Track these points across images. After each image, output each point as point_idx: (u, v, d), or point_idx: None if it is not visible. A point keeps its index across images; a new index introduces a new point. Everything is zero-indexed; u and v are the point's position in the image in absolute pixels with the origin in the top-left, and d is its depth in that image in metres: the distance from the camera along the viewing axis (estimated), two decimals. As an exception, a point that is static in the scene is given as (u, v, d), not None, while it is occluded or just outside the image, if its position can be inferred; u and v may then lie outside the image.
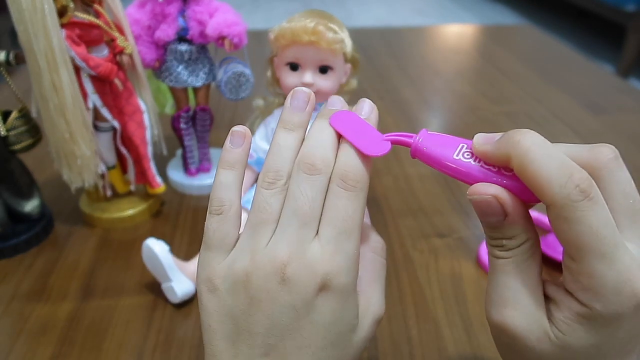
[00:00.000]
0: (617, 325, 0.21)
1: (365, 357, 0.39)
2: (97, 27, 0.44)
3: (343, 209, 0.23)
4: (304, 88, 0.27)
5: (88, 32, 0.44)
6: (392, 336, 0.41)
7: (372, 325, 0.26)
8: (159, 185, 0.53)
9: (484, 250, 0.48)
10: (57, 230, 0.52)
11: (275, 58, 0.46)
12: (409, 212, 0.56)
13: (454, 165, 0.24)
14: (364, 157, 0.24)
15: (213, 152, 0.62)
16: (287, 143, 0.25)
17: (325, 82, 0.44)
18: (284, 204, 0.24)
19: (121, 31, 0.46)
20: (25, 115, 0.47)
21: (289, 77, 0.45)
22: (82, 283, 0.46)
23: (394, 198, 0.58)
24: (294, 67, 0.44)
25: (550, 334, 0.22)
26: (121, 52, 0.46)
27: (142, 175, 0.52)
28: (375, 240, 0.29)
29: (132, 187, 0.54)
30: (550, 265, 0.42)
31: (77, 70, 0.44)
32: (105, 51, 0.46)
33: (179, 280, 0.42)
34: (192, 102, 0.57)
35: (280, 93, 0.49)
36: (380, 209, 0.56)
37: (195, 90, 0.55)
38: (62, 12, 0.41)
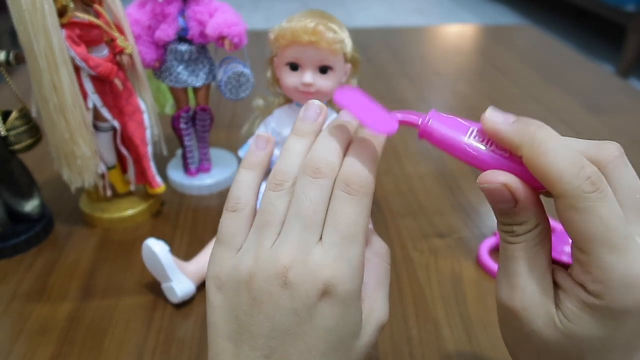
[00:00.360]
0: (624, 320, 0.21)
1: (365, 357, 0.39)
2: (97, 27, 0.44)
3: (346, 214, 0.23)
4: (316, 101, 0.27)
5: (88, 32, 0.44)
6: (392, 336, 0.41)
7: (375, 330, 0.25)
8: (159, 185, 0.53)
9: (484, 250, 0.48)
10: (57, 230, 0.52)
11: (275, 58, 0.46)
12: (409, 213, 0.56)
13: (464, 149, 0.23)
14: (369, 159, 0.24)
15: (213, 152, 0.62)
16: (296, 148, 0.26)
17: (325, 82, 0.44)
18: (289, 207, 0.24)
19: (121, 31, 0.46)
20: (25, 115, 0.47)
21: (289, 77, 0.45)
22: (82, 283, 0.46)
23: (394, 198, 0.58)
24: (294, 67, 0.44)
25: (557, 320, 0.22)
26: (121, 52, 0.46)
27: (142, 175, 0.52)
28: (380, 245, 0.29)
29: (132, 187, 0.54)
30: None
31: (77, 70, 0.44)
32: (105, 51, 0.46)
33: (179, 280, 0.42)
34: (192, 102, 0.57)
35: (280, 93, 0.49)
36: (380, 209, 0.56)
37: (195, 90, 0.55)
38: (62, 12, 0.41)
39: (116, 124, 0.49)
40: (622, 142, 0.23)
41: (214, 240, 0.46)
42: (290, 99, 0.49)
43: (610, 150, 0.22)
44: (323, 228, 0.23)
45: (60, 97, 0.42)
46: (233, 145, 0.65)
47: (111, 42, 0.46)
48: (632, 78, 2.33)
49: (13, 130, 0.46)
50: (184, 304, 0.43)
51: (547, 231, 0.23)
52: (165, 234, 0.52)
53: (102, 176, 0.51)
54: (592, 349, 0.22)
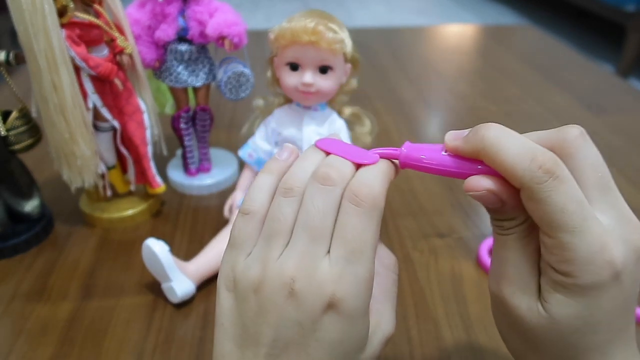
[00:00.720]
0: (597, 295, 0.21)
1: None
2: (97, 27, 0.44)
3: (353, 227, 0.23)
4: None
5: (88, 32, 0.44)
6: (392, 336, 0.40)
7: (381, 343, 0.25)
8: (159, 185, 0.53)
9: (484, 250, 0.48)
10: (57, 230, 0.52)
11: (275, 58, 0.46)
12: (409, 212, 0.56)
13: (443, 166, 0.25)
14: (382, 174, 0.24)
15: (213, 152, 0.62)
16: (312, 158, 0.26)
17: (325, 82, 0.44)
18: (297, 216, 0.24)
19: (121, 31, 0.46)
20: (25, 115, 0.47)
21: (289, 77, 0.45)
22: (82, 283, 0.46)
23: (394, 198, 0.58)
24: (294, 67, 0.44)
25: (538, 304, 0.23)
26: (121, 52, 0.46)
27: (142, 175, 0.52)
28: (387, 257, 0.29)
29: (132, 187, 0.54)
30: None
31: (77, 70, 0.44)
32: (105, 51, 0.46)
33: (179, 280, 0.42)
34: (192, 102, 0.57)
35: (280, 93, 0.49)
36: (380, 209, 0.56)
37: (195, 90, 0.55)
38: (62, 12, 0.41)
39: (116, 124, 0.49)
40: (622, 142, 0.23)
41: (213, 240, 0.46)
42: (290, 99, 0.49)
43: (571, 133, 0.23)
44: (332, 239, 0.23)
45: (60, 97, 0.42)
46: (233, 145, 0.65)
47: (111, 42, 0.46)
48: (632, 78, 2.33)
49: (13, 130, 0.46)
50: (184, 304, 0.43)
51: (536, 224, 0.24)
52: (165, 234, 0.52)
53: (102, 176, 0.51)
54: (574, 330, 0.22)
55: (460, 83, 0.92)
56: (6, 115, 0.46)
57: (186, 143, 0.57)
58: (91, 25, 0.44)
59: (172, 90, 0.54)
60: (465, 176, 0.24)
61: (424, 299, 0.44)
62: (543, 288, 0.23)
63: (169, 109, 0.59)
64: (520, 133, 0.23)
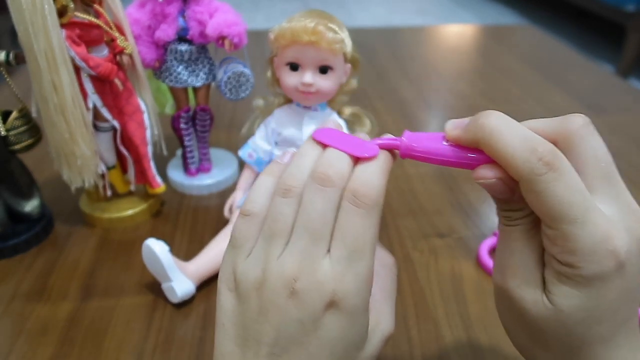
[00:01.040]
0: (601, 286, 0.21)
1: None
2: (97, 27, 0.44)
3: (353, 227, 0.23)
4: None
5: (88, 32, 0.44)
6: (392, 336, 0.40)
7: (380, 342, 0.25)
8: (159, 185, 0.53)
9: (484, 250, 0.48)
10: (57, 230, 0.52)
11: (275, 58, 0.46)
12: (409, 212, 0.56)
13: (445, 156, 0.24)
14: (379, 171, 0.24)
15: (213, 152, 0.62)
16: (309, 155, 0.25)
17: (325, 82, 0.44)
18: (297, 217, 0.24)
19: (121, 31, 0.46)
20: (25, 115, 0.47)
21: (289, 77, 0.45)
22: (82, 283, 0.46)
23: (394, 198, 0.58)
24: (294, 67, 0.44)
25: (543, 296, 0.23)
26: (121, 52, 0.46)
27: (142, 175, 0.52)
28: (385, 257, 0.29)
29: (132, 187, 0.54)
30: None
31: (77, 70, 0.44)
32: (105, 51, 0.46)
33: (179, 280, 0.42)
34: (192, 102, 0.57)
35: (280, 93, 0.49)
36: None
37: (195, 90, 0.55)
38: (62, 12, 0.41)
39: (116, 124, 0.49)
40: (622, 142, 0.23)
41: (213, 240, 0.46)
42: (290, 99, 0.49)
43: (575, 122, 0.23)
44: (331, 239, 0.23)
45: (60, 97, 0.42)
46: (233, 145, 0.65)
47: (111, 42, 0.46)
48: (632, 78, 2.33)
49: (13, 130, 0.46)
50: (184, 304, 0.43)
51: None
52: (165, 234, 0.52)
53: (102, 176, 0.51)
54: (579, 321, 0.22)
55: (460, 83, 0.92)
56: (6, 115, 0.46)
57: (186, 143, 0.57)
58: (91, 25, 0.44)
59: (172, 90, 0.54)
60: (466, 166, 0.24)
61: (424, 299, 0.44)
62: (547, 280, 0.23)
63: (169, 109, 0.59)
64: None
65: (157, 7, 0.49)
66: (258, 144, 0.50)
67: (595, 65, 1.02)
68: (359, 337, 0.24)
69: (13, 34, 0.42)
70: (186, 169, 0.59)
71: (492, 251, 0.49)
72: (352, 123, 0.51)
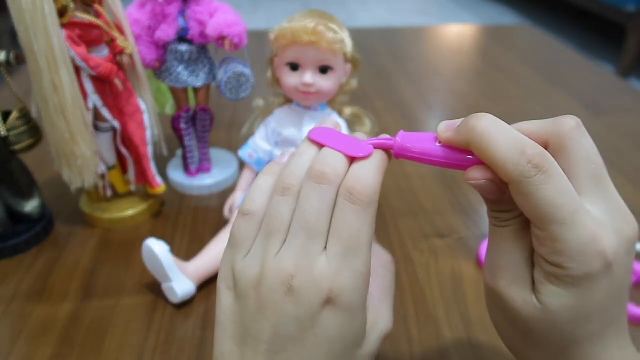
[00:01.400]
0: (589, 286, 0.22)
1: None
2: (97, 27, 0.44)
3: (349, 224, 0.23)
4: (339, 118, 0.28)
5: (88, 32, 0.44)
6: (392, 336, 0.41)
7: (378, 340, 0.26)
8: (159, 185, 0.53)
9: (484, 250, 0.48)
10: (57, 230, 0.52)
11: (275, 58, 0.46)
12: (409, 212, 0.56)
13: (437, 157, 0.24)
14: (375, 168, 0.24)
15: (213, 152, 0.62)
16: (307, 153, 0.26)
17: (325, 82, 0.44)
18: (294, 214, 0.24)
19: (121, 31, 0.46)
20: (25, 115, 0.47)
21: (289, 77, 0.45)
22: (82, 283, 0.46)
23: (394, 198, 0.58)
24: (294, 67, 0.44)
25: (532, 295, 0.23)
26: (121, 52, 0.46)
27: (142, 175, 0.52)
28: (383, 255, 0.29)
29: (132, 187, 0.54)
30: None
31: (77, 70, 0.44)
32: (105, 51, 0.46)
33: (179, 280, 0.42)
34: (192, 102, 0.57)
35: (280, 93, 0.49)
36: (380, 209, 0.56)
37: (195, 90, 0.55)
38: (62, 12, 0.41)
39: (116, 124, 0.49)
40: (622, 142, 0.23)
41: (213, 240, 0.46)
42: (290, 99, 0.49)
43: (566, 123, 0.23)
44: (328, 236, 0.23)
45: (60, 97, 0.42)
46: (233, 145, 0.65)
47: (111, 42, 0.46)
48: (632, 78, 2.33)
49: (13, 130, 0.46)
50: (184, 304, 0.43)
51: None
52: (165, 234, 0.52)
53: (102, 176, 0.51)
54: (567, 321, 0.22)
55: (460, 83, 0.92)
56: (6, 115, 0.46)
57: (186, 143, 0.57)
58: (91, 25, 0.44)
59: (172, 90, 0.54)
60: (458, 167, 0.24)
61: (424, 299, 0.44)
62: (536, 280, 0.23)
63: (169, 109, 0.59)
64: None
65: (157, 7, 0.49)
66: (258, 143, 0.50)
67: (595, 65, 1.02)
68: (357, 334, 0.24)
69: (13, 34, 0.42)
70: (186, 169, 0.59)
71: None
72: (352, 123, 0.51)
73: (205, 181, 0.58)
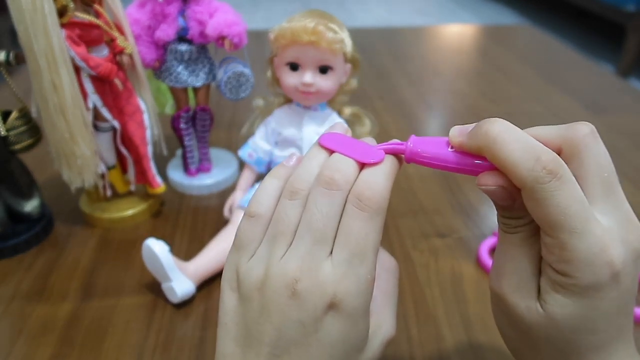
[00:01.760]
0: (596, 296, 0.22)
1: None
2: (97, 27, 0.44)
3: (357, 230, 0.23)
4: (345, 124, 0.28)
5: (88, 32, 0.44)
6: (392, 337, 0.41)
7: (381, 345, 0.26)
8: (159, 185, 0.53)
9: (484, 250, 0.48)
10: (57, 230, 0.52)
11: (275, 58, 0.46)
12: (409, 212, 0.56)
13: (449, 162, 0.24)
14: (385, 174, 0.24)
15: (213, 152, 0.62)
16: (317, 158, 0.25)
17: (325, 82, 0.44)
18: (301, 219, 0.24)
19: (121, 31, 0.46)
20: (25, 115, 0.47)
21: (289, 77, 0.45)
22: (82, 283, 0.46)
23: (394, 198, 0.58)
24: (294, 67, 0.44)
25: (537, 303, 0.23)
26: (121, 52, 0.46)
27: (142, 175, 0.52)
28: (388, 260, 0.29)
29: (132, 187, 0.54)
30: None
31: (77, 70, 0.44)
32: (105, 51, 0.46)
33: (179, 280, 0.42)
34: (192, 102, 0.57)
35: (280, 93, 0.49)
36: (380, 209, 0.56)
37: (195, 90, 0.55)
38: (62, 12, 0.41)
39: (116, 124, 0.49)
40: (622, 142, 0.23)
41: (213, 240, 0.46)
42: (290, 99, 0.49)
43: (580, 130, 0.23)
44: (334, 241, 0.23)
45: (60, 97, 0.42)
46: (233, 145, 0.65)
47: (111, 42, 0.46)
48: (632, 78, 2.33)
49: (13, 130, 0.46)
50: (184, 304, 0.43)
51: None
52: (165, 234, 0.52)
53: (102, 176, 0.51)
54: (572, 330, 0.22)
55: (460, 83, 0.92)
56: (6, 115, 0.46)
57: (186, 143, 0.57)
58: (91, 25, 0.44)
59: (172, 90, 0.54)
60: (470, 172, 0.24)
61: (424, 299, 0.44)
62: (542, 288, 0.23)
63: (169, 109, 0.59)
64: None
65: (157, 7, 0.49)
66: (258, 143, 0.50)
67: (595, 65, 1.02)
68: (360, 339, 0.24)
69: (13, 34, 0.42)
70: (186, 169, 0.59)
71: (492, 251, 0.49)
72: (352, 123, 0.51)
73: (205, 181, 0.58)
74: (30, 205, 0.51)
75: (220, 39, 0.49)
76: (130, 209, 0.53)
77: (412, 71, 0.96)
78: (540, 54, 1.08)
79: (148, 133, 0.51)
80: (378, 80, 0.91)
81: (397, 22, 3.03)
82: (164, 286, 0.43)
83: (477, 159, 0.24)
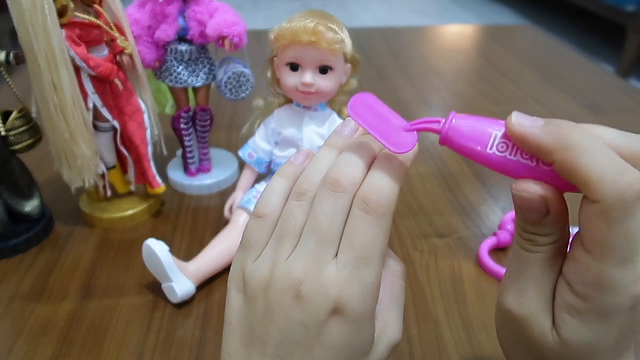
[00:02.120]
0: (611, 322, 0.21)
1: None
2: (97, 27, 0.44)
3: (362, 234, 0.22)
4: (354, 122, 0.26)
5: (88, 32, 0.44)
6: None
7: (386, 350, 0.25)
8: (159, 185, 0.53)
9: (484, 250, 0.48)
10: (57, 230, 0.52)
11: (275, 58, 0.46)
12: (409, 212, 0.56)
13: (488, 159, 0.22)
14: (393, 177, 0.23)
15: (213, 152, 0.62)
16: (325, 159, 0.25)
17: (325, 82, 0.44)
18: (307, 220, 0.24)
19: (121, 31, 0.46)
20: (25, 115, 0.47)
21: (289, 77, 0.45)
22: (82, 283, 0.46)
23: (394, 198, 0.58)
24: (294, 67, 0.44)
25: (552, 329, 0.22)
26: (121, 52, 0.46)
27: (142, 175, 0.52)
28: (395, 264, 0.29)
29: (132, 187, 0.54)
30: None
31: (77, 70, 0.44)
32: (105, 51, 0.46)
33: (179, 280, 0.42)
34: (192, 102, 0.57)
35: (280, 93, 0.49)
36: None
37: (195, 90, 0.55)
38: (62, 12, 0.41)
39: (116, 124, 0.49)
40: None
41: (213, 240, 0.46)
42: (290, 99, 0.49)
43: None
44: (340, 244, 0.23)
45: (60, 97, 0.42)
46: (233, 145, 0.65)
47: (111, 42, 0.46)
48: (632, 78, 2.33)
49: (13, 130, 0.46)
50: (184, 304, 0.43)
51: (566, 245, 0.23)
52: (165, 234, 0.52)
53: (102, 176, 0.51)
54: (584, 355, 0.22)
55: (460, 83, 0.92)
56: (6, 115, 0.46)
57: (186, 143, 0.57)
58: (91, 25, 0.44)
59: (172, 90, 0.54)
60: (510, 173, 0.22)
61: (424, 299, 0.44)
62: (557, 312, 0.22)
63: (169, 109, 0.59)
64: None
65: (157, 7, 0.49)
66: (258, 144, 0.50)
67: (595, 65, 1.02)
68: (364, 344, 0.24)
69: (13, 34, 0.42)
70: (186, 169, 0.59)
71: (492, 251, 0.49)
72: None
73: (205, 181, 0.58)
74: (30, 205, 0.51)
75: (220, 39, 0.49)
76: (130, 209, 0.53)
77: (412, 71, 0.96)
78: (540, 54, 1.08)
79: (148, 133, 0.51)
80: (378, 80, 0.91)
81: (397, 22, 3.03)
82: (164, 286, 0.43)
83: (529, 159, 0.21)
